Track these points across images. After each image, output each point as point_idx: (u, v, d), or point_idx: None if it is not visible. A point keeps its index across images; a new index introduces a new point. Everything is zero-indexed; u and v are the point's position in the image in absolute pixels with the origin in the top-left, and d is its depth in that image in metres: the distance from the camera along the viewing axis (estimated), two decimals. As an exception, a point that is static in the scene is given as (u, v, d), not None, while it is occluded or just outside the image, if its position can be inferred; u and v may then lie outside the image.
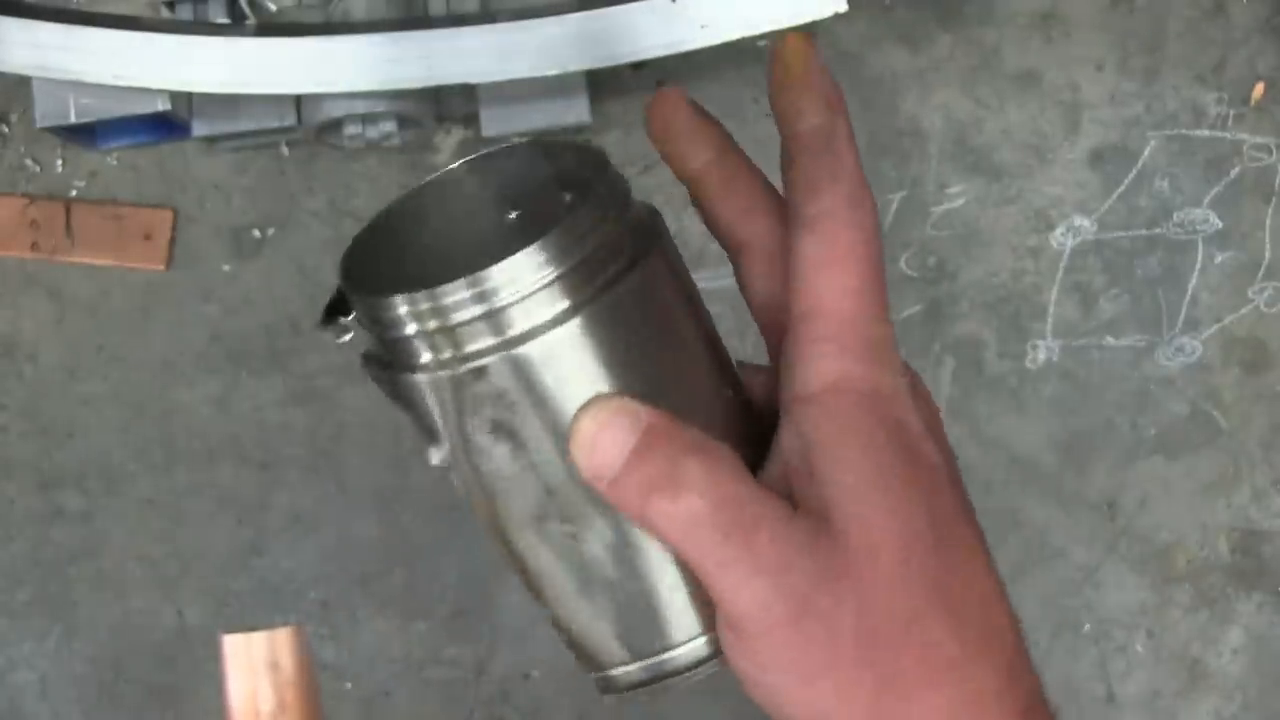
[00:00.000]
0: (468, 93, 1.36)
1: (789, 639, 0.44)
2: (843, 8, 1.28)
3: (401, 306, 0.44)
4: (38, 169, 1.44)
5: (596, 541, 0.47)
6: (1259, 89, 1.47)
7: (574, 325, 0.44)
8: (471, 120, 1.42)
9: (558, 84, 1.33)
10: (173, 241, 1.44)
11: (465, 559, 1.41)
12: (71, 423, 1.43)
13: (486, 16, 1.31)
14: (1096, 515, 1.45)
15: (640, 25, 1.28)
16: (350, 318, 0.46)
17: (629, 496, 0.44)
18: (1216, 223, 1.46)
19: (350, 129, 1.36)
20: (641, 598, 0.47)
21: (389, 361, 0.46)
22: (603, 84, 1.40)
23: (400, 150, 1.43)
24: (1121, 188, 1.46)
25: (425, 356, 0.45)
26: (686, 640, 0.48)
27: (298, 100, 1.35)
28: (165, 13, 1.32)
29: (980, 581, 0.47)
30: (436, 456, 0.46)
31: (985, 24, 1.47)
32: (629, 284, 0.45)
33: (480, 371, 0.44)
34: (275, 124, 1.37)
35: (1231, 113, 1.47)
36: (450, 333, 0.44)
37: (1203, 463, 1.45)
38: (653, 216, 0.48)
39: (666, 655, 0.48)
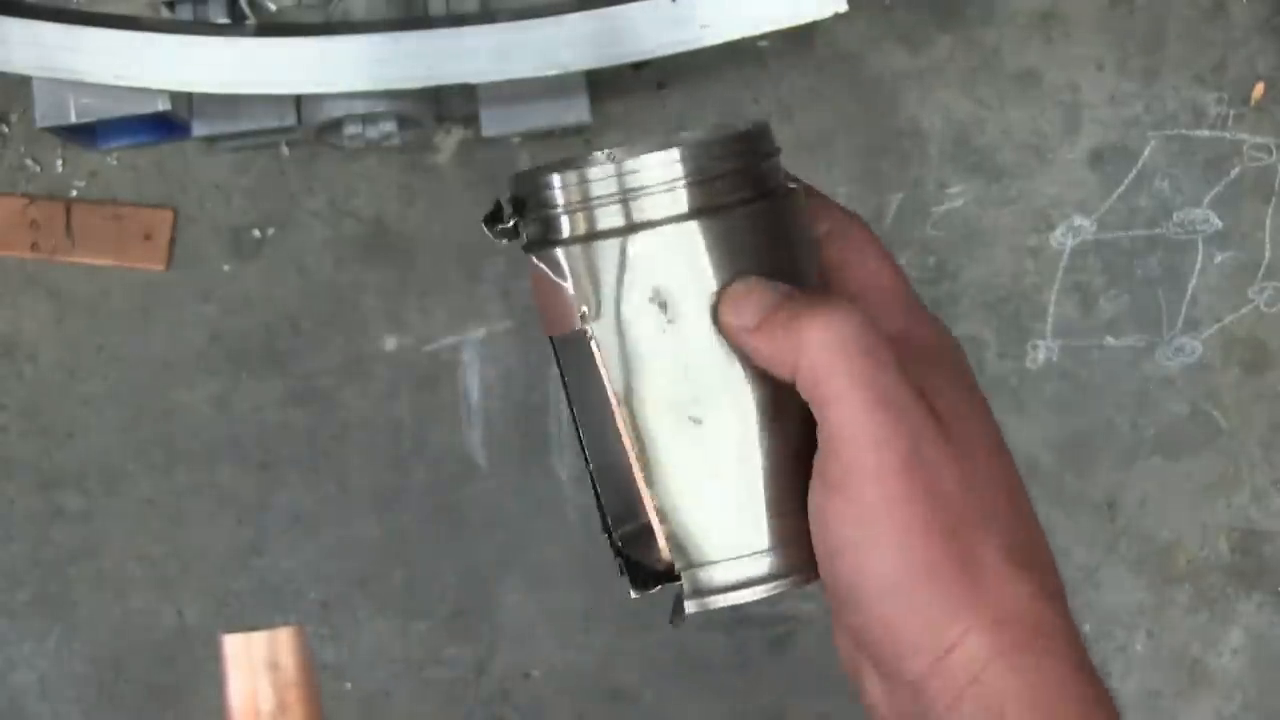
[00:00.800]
0: (468, 93, 1.36)
1: (895, 488, 0.47)
2: (843, 8, 1.28)
3: (556, 182, 0.52)
4: (38, 169, 1.44)
5: (712, 427, 0.52)
6: (1259, 89, 1.47)
7: (692, 225, 0.51)
8: (471, 120, 1.42)
9: (558, 84, 1.33)
10: (173, 241, 1.44)
11: (465, 559, 1.41)
12: (71, 423, 1.43)
13: (486, 16, 1.31)
14: (1096, 515, 1.45)
15: (640, 25, 1.28)
16: (508, 223, 0.53)
17: (774, 331, 0.49)
18: (1216, 223, 1.46)
19: (350, 129, 1.36)
20: (737, 491, 0.52)
21: (541, 240, 0.53)
22: (603, 84, 1.40)
23: (400, 150, 1.43)
24: (1121, 188, 1.46)
25: (566, 230, 0.52)
26: (768, 549, 0.52)
27: (298, 100, 1.35)
28: (165, 13, 1.33)
29: (1030, 508, 0.53)
30: (584, 326, 0.52)
31: (985, 24, 1.47)
32: (751, 210, 0.52)
33: (606, 248, 0.51)
34: (275, 124, 1.37)
35: (1231, 113, 1.47)
36: (589, 211, 0.52)
37: (1203, 463, 1.45)
38: (794, 181, 0.55)
39: (752, 556, 0.52)
